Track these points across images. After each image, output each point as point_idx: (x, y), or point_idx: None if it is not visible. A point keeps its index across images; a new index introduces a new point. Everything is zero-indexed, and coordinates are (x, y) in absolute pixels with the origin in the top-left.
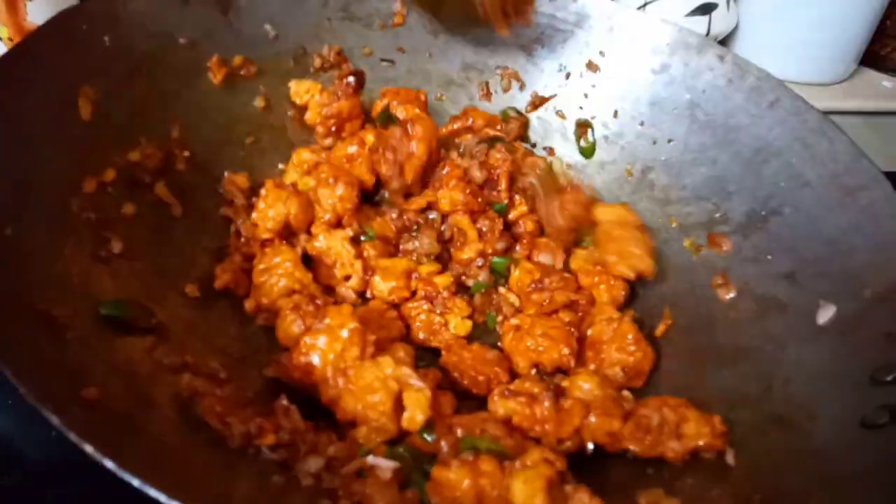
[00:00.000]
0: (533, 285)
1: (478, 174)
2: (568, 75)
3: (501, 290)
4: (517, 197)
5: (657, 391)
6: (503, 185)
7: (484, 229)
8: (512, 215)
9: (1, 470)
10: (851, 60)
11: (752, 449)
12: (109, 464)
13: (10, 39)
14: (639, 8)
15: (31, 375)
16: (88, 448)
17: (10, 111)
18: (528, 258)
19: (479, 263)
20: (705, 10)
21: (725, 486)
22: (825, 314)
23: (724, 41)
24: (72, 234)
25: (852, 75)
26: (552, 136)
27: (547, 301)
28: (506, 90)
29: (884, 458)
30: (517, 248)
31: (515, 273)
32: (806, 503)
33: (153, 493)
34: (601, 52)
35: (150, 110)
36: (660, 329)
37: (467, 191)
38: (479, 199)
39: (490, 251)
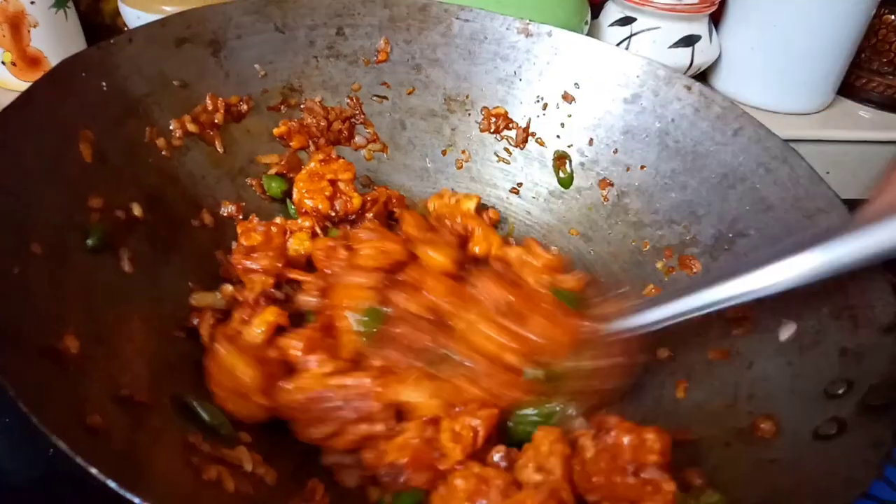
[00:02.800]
0: None
1: None
2: (545, 106)
3: None
4: None
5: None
6: None
7: None
8: None
9: None
10: (829, 91)
11: (715, 461)
12: (112, 484)
13: (13, 64)
14: (623, 39)
15: (40, 406)
16: (94, 471)
17: (14, 157)
18: None
19: None
20: (688, 42)
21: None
22: (786, 331)
23: (706, 72)
24: (71, 270)
25: (830, 105)
26: (532, 164)
27: None
28: (484, 129)
29: (830, 468)
30: None
31: None
32: None
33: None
34: (576, 84)
35: (144, 150)
36: None
37: None
38: None
39: None
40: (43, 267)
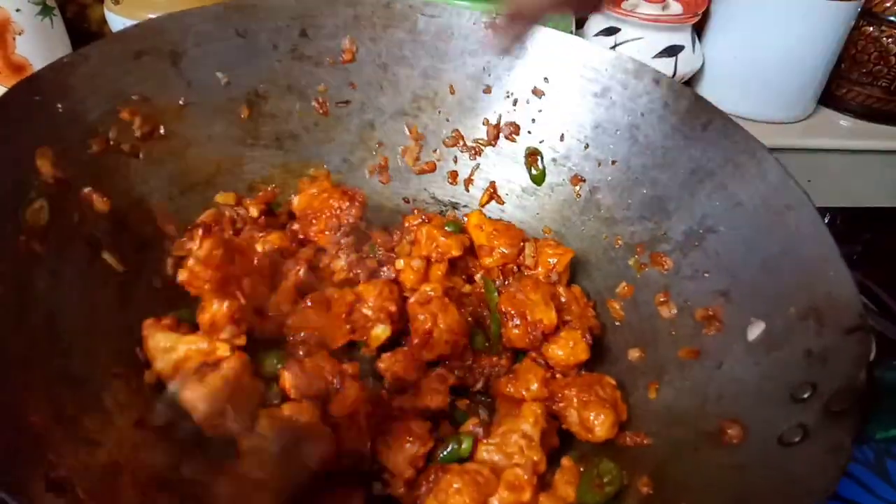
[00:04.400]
0: None
1: None
2: (515, 101)
3: None
4: None
5: None
6: None
7: None
8: None
9: None
10: (810, 100)
11: (686, 466)
12: None
13: None
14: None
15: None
16: None
17: None
18: None
19: None
20: (672, 52)
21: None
22: (755, 331)
23: (690, 81)
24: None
25: (812, 115)
26: (504, 161)
27: None
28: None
29: (793, 475)
30: None
31: None
32: None
33: None
34: (545, 78)
35: (107, 170)
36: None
37: None
38: None
39: None
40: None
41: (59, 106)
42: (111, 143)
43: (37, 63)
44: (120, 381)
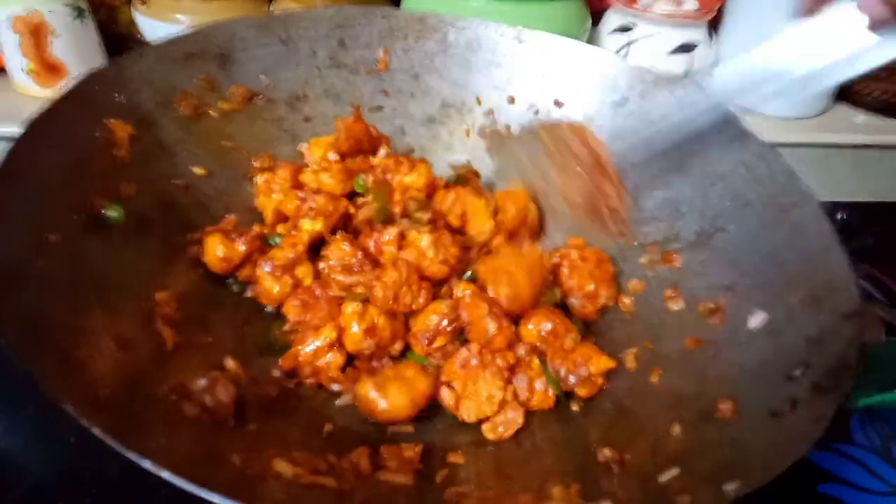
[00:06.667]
0: None
1: None
2: (537, 112)
3: None
4: None
5: (611, 393)
6: None
7: None
8: None
9: (5, 485)
10: (826, 97)
11: (681, 438)
12: (111, 442)
13: (35, 72)
14: (623, 46)
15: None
16: (96, 431)
17: (38, 162)
18: None
19: None
20: (686, 49)
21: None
22: (757, 320)
23: None
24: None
25: (827, 111)
26: None
27: None
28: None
29: (778, 441)
30: None
31: None
32: (721, 479)
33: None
34: (566, 89)
35: (157, 157)
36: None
37: None
38: None
39: None
40: (60, 257)
41: (117, 96)
42: (162, 132)
43: (71, 63)
44: None
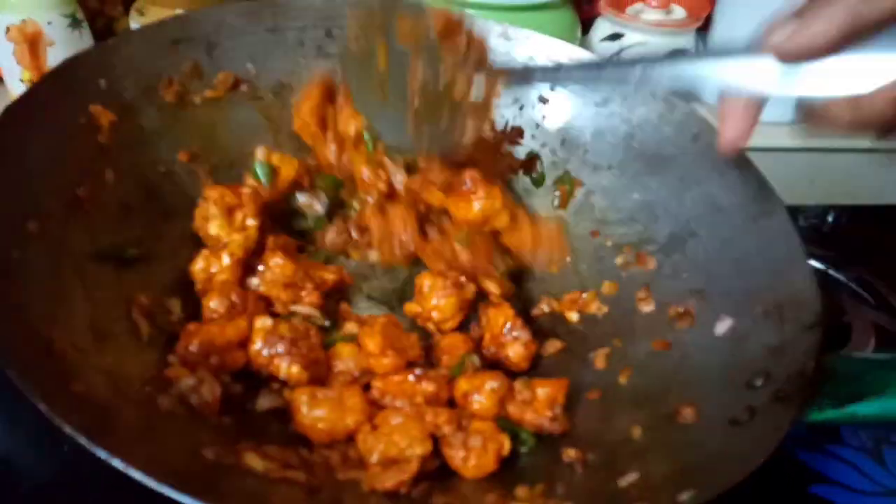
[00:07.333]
0: None
1: None
2: (521, 107)
3: None
4: None
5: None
6: None
7: None
8: None
9: (4, 487)
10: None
11: (643, 442)
12: (83, 440)
13: (31, 82)
14: (613, 55)
15: (29, 375)
16: (67, 429)
17: (17, 149)
18: None
19: None
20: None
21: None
22: (723, 326)
23: None
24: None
25: None
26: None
27: None
28: None
29: (735, 449)
30: None
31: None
32: (677, 488)
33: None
34: (551, 87)
35: (139, 144)
36: None
37: None
38: None
39: None
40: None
41: (102, 81)
42: (144, 118)
43: None
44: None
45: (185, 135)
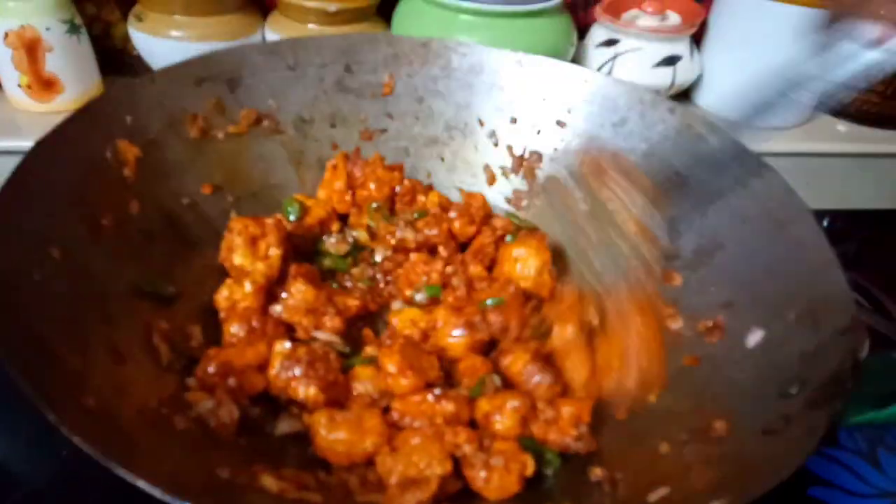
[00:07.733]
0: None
1: None
2: (539, 132)
3: None
4: None
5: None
6: None
7: None
8: None
9: (3, 491)
10: (808, 106)
11: (673, 457)
12: (89, 450)
13: (29, 87)
14: (608, 60)
15: (42, 388)
16: (77, 440)
17: (44, 179)
18: None
19: None
20: (670, 62)
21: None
22: (754, 338)
23: (688, 90)
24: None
25: (809, 120)
26: (524, 183)
27: None
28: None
29: (771, 457)
30: None
31: None
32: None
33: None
34: (568, 110)
35: (164, 177)
36: None
37: None
38: None
39: None
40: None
41: (128, 118)
42: (168, 152)
43: (65, 78)
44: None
45: (209, 168)
